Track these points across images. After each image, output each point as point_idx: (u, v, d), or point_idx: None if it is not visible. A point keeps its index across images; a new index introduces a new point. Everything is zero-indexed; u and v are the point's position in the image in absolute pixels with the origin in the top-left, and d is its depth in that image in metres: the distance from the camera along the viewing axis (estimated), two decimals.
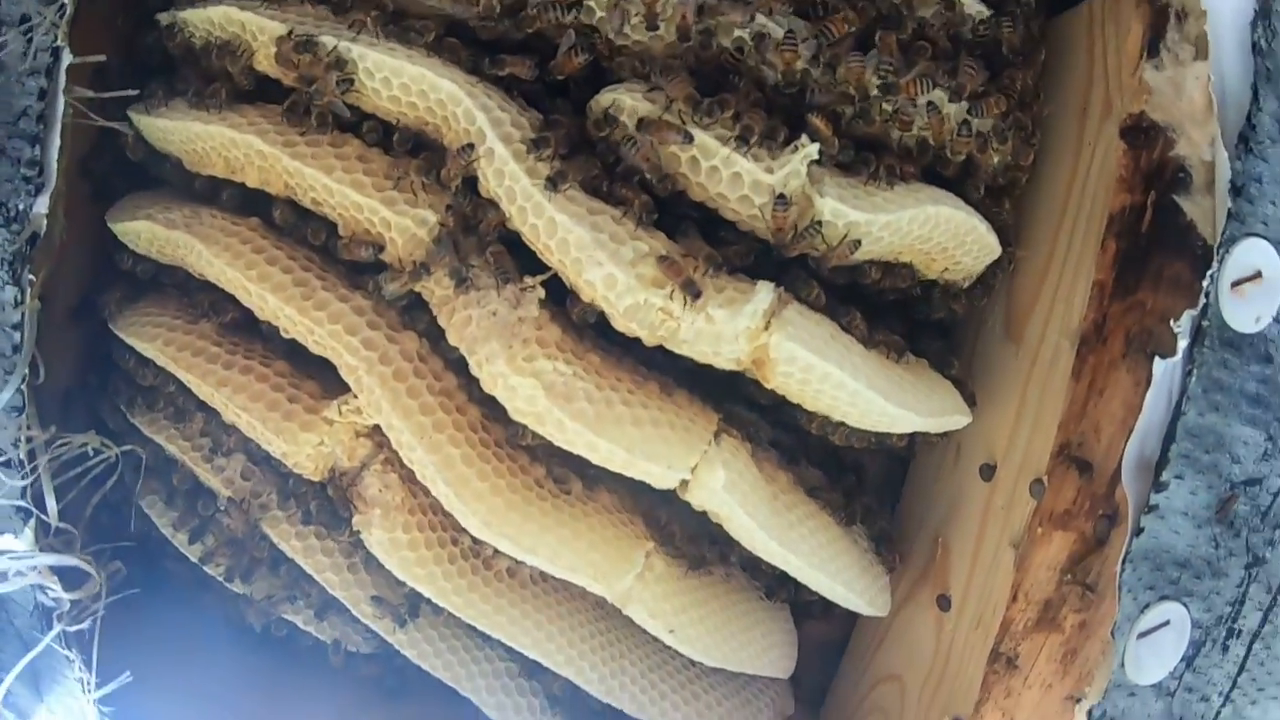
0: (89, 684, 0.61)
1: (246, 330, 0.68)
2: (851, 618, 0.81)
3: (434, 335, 0.63)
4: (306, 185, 0.62)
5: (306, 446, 0.64)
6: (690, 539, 0.66)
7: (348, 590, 0.67)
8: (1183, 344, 0.52)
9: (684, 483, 0.61)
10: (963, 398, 0.67)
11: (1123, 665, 0.55)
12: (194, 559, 0.71)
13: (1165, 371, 0.53)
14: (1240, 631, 0.59)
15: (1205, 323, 0.53)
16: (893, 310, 0.69)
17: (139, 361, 0.69)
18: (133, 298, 0.72)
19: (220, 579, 0.71)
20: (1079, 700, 0.57)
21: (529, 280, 0.59)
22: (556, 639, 0.66)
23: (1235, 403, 0.55)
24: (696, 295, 0.56)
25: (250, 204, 0.67)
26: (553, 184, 0.56)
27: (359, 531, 0.64)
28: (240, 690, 0.73)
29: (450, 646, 0.70)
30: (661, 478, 0.60)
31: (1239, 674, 0.60)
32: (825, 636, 0.83)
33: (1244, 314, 0.54)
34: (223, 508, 0.68)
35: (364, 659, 0.74)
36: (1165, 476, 0.53)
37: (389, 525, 0.64)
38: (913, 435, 0.67)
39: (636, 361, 0.63)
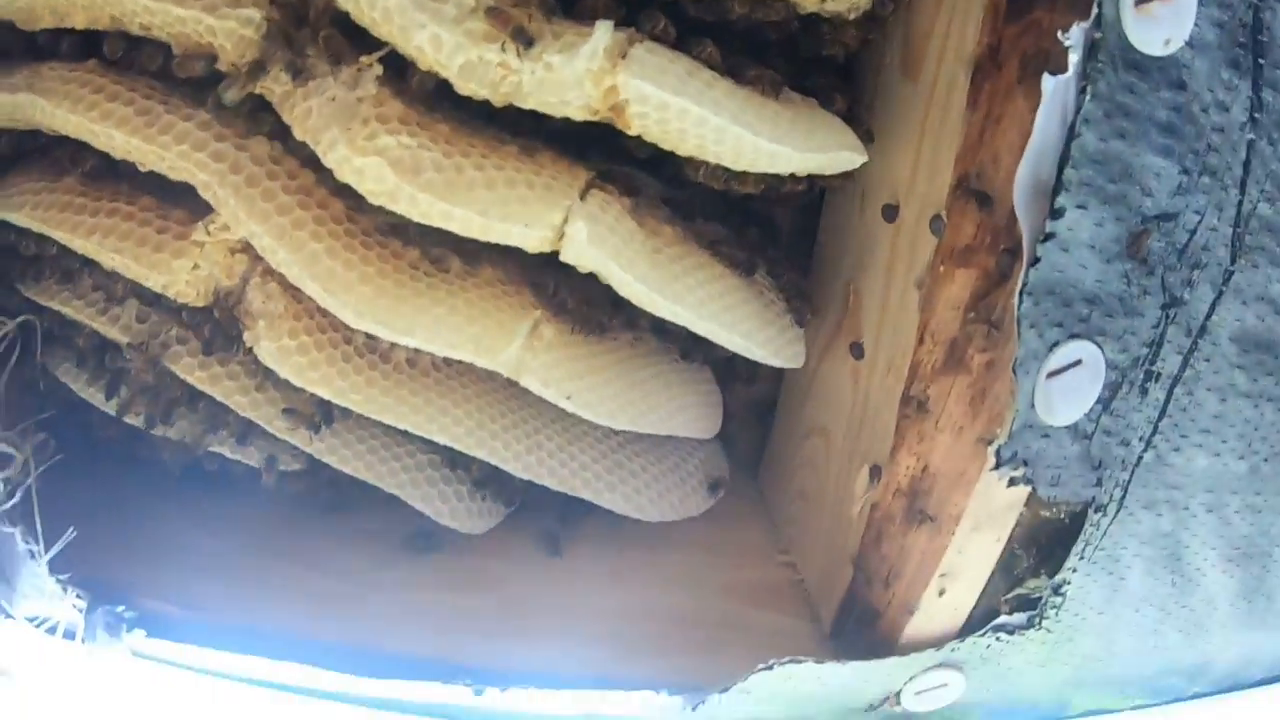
0: (38, 553, 0.62)
1: (109, 175, 0.66)
2: (779, 375, 0.81)
3: (284, 135, 0.60)
4: (129, 12, 0.60)
5: (183, 273, 0.63)
6: (585, 304, 0.65)
7: (259, 410, 0.68)
8: (1074, 59, 0.50)
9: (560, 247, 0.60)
10: (857, 135, 0.63)
11: (1033, 406, 0.54)
12: (113, 413, 0.71)
13: (1057, 90, 0.50)
14: (1159, 375, 0.57)
15: (1100, 35, 0.49)
16: (778, 49, 0.64)
17: (16, 234, 0.68)
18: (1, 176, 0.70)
19: (142, 427, 0.71)
20: (990, 442, 0.55)
21: (364, 59, 0.57)
22: (465, 422, 0.67)
23: (1144, 131, 0.51)
24: (529, 43, 0.54)
25: (92, 47, 0.64)
26: None
27: (252, 348, 0.64)
28: (190, 531, 0.75)
29: (369, 448, 0.71)
30: (524, 238, 0.59)
31: (1160, 419, 0.58)
32: (759, 398, 0.84)
33: (1152, 35, 0.51)
34: (128, 357, 0.68)
35: (295, 477, 0.75)
36: (1062, 203, 0.50)
37: (275, 334, 0.64)
38: (812, 181, 0.64)
39: (502, 128, 0.60)
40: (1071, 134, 0.50)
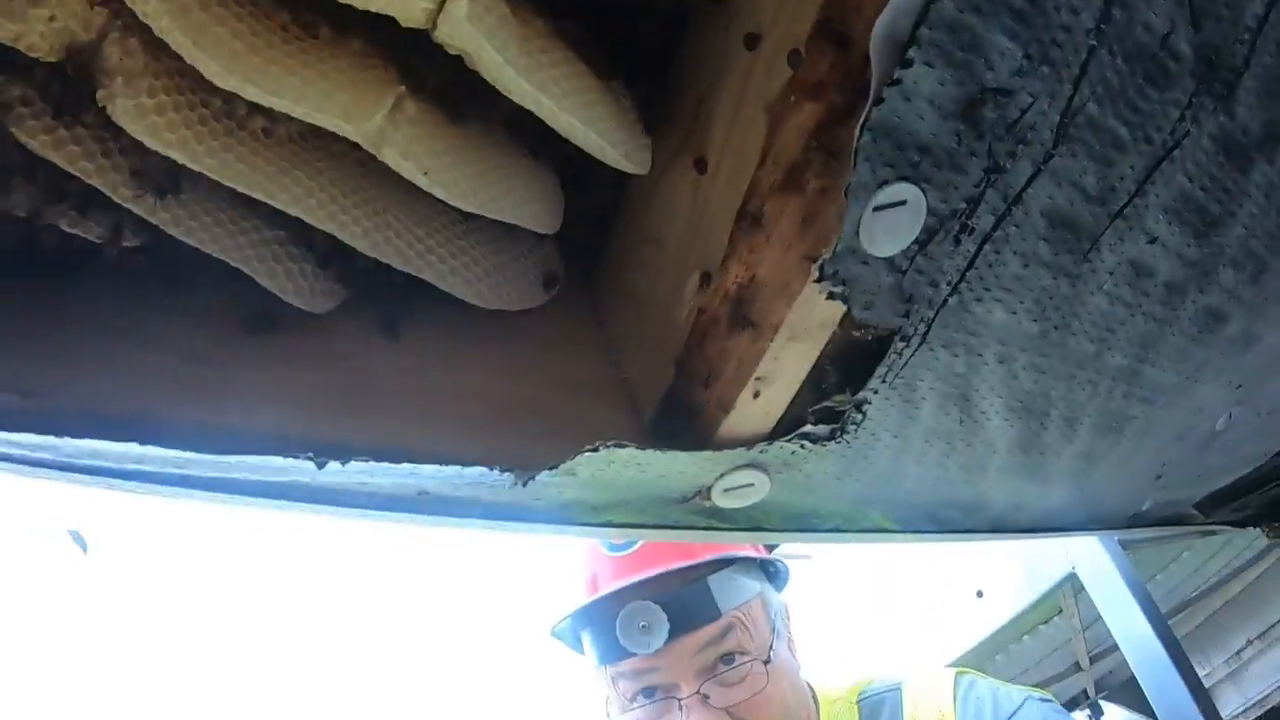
0: None
1: None
2: (620, 189, 0.83)
3: None
4: None
5: (38, 24, 0.58)
6: (448, 86, 0.66)
7: (105, 176, 0.64)
8: None
9: (435, 24, 0.58)
10: None
11: (857, 234, 0.60)
12: None
13: None
14: (973, 230, 0.64)
15: None
16: None
17: None
18: None
19: None
20: (815, 260, 0.60)
21: None
22: (317, 194, 0.67)
23: (997, 10, 0.57)
24: None
25: None
26: None
27: (104, 107, 0.60)
28: (21, 315, 0.70)
29: (215, 220, 0.69)
30: (404, 7, 0.57)
31: (968, 269, 0.65)
32: (595, 208, 0.86)
33: None
34: None
35: (138, 252, 0.72)
36: (912, 55, 0.56)
37: (133, 91, 0.60)
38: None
39: None
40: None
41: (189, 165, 0.63)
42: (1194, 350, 0.83)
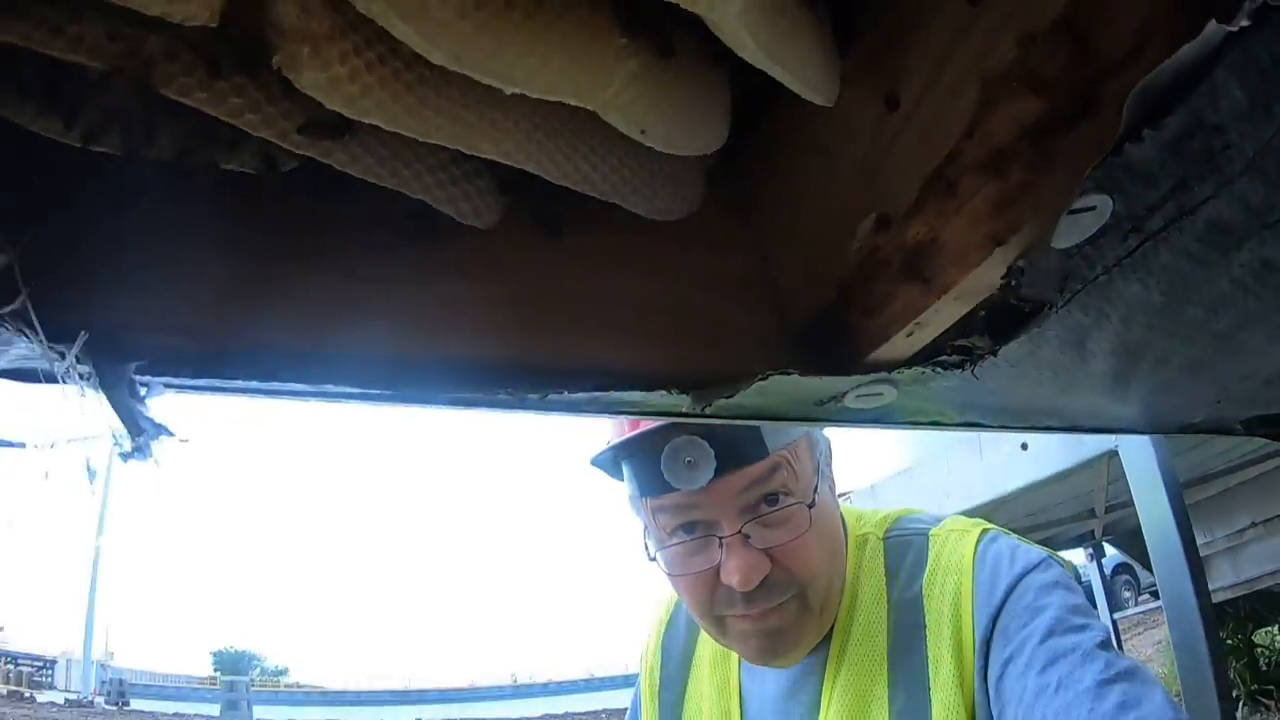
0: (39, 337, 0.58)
1: None
2: None
3: None
4: None
5: None
6: (660, 22, 0.62)
7: (274, 126, 0.59)
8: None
9: None
10: None
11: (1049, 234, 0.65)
12: (77, 144, 0.58)
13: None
14: (1141, 230, 0.69)
15: None
16: None
17: None
18: None
19: (117, 152, 0.59)
20: (999, 242, 0.65)
21: None
22: (518, 138, 0.64)
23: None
24: None
25: None
26: None
27: (279, 69, 0.53)
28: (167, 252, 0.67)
29: (393, 153, 0.65)
30: None
31: (1124, 258, 0.72)
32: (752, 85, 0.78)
33: None
34: (94, 79, 0.54)
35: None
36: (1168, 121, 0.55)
37: (322, 63, 0.54)
38: None
39: None
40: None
41: (388, 127, 0.59)
42: None
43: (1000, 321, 0.76)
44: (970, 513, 1.60)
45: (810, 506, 1.28)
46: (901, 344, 0.77)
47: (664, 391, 0.75)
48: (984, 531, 1.36)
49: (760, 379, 0.73)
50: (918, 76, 0.73)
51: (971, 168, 0.69)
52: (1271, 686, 8.39)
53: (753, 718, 1.46)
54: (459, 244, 0.76)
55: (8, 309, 0.56)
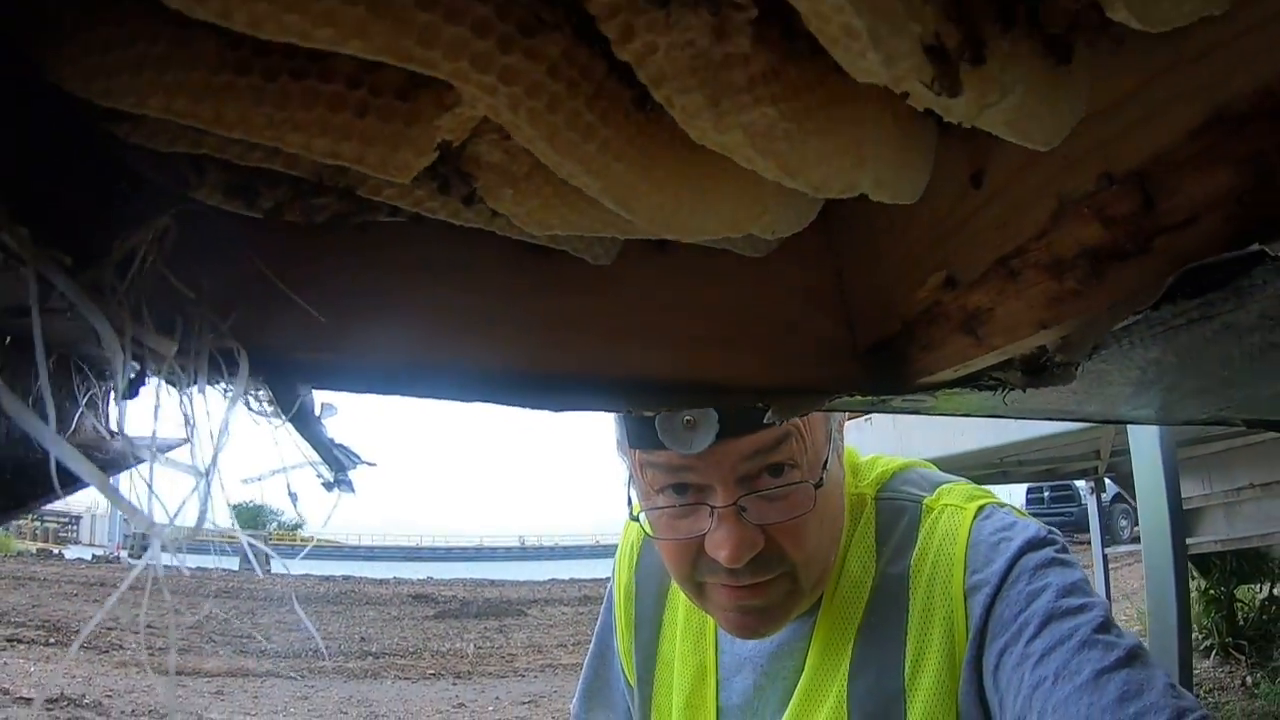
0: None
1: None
2: None
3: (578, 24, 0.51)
4: None
5: (419, 165, 0.56)
6: None
7: (448, 209, 0.66)
8: None
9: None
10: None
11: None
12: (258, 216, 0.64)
13: None
14: (1167, 324, 0.83)
15: None
16: None
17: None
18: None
19: (299, 220, 0.66)
20: (1046, 328, 0.77)
21: None
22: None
23: None
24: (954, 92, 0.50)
25: None
26: None
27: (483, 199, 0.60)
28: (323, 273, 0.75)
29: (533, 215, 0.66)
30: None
31: (1148, 337, 0.86)
32: None
33: None
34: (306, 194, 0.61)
35: None
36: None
37: (524, 198, 0.59)
38: None
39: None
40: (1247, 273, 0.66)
41: (560, 232, 0.66)
42: None
43: (1034, 370, 0.90)
44: (980, 454, 1.68)
45: (818, 487, 1.20)
46: (948, 375, 0.91)
47: (749, 406, 0.89)
48: (979, 509, 1.30)
49: (830, 402, 0.88)
50: (1005, 169, 0.82)
51: (1034, 266, 0.80)
52: (1244, 641, 8.73)
53: (727, 674, 1.41)
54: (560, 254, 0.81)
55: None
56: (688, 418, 1.11)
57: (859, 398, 0.99)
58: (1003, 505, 1.32)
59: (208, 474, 0.59)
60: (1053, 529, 1.29)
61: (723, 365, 0.90)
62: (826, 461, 1.23)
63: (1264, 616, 8.76)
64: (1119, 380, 0.99)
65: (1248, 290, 0.71)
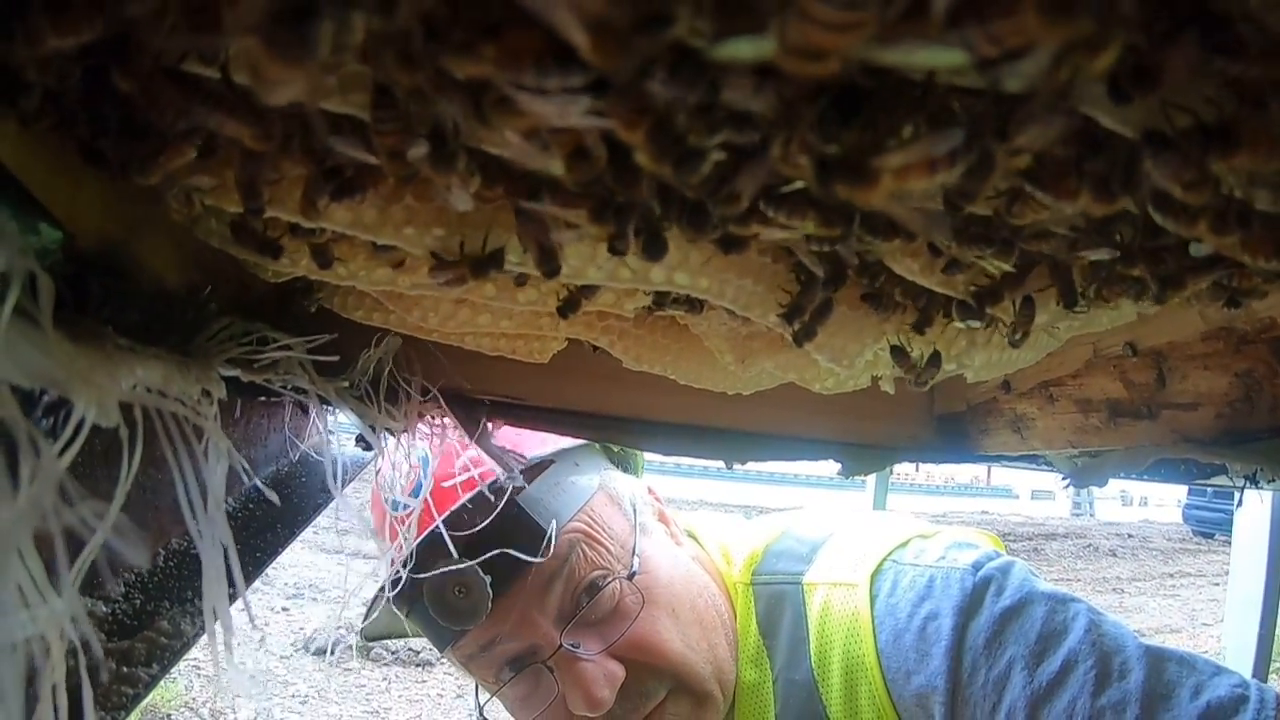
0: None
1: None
2: None
3: None
4: None
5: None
6: None
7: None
8: None
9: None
10: None
11: None
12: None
13: None
14: None
15: None
16: None
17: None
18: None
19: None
20: (1074, 446, 0.96)
21: None
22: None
23: None
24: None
25: None
26: None
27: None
28: None
29: None
30: None
31: None
32: None
33: None
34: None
35: None
36: None
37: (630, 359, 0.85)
38: None
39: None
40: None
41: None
42: None
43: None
44: None
45: (631, 577, 1.06)
46: (996, 452, 1.11)
47: (833, 462, 1.11)
48: (872, 579, 1.11)
49: (901, 457, 1.10)
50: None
51: (1067, 397, 0.99)
52: None
53: None
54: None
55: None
56: (457, 587, 1.01)
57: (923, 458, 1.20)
58: (904, 543, 1.15)
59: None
60: (970, 541, 1.16)
61: (815, 426, 1.12)
62: (636, 548, 1.09)
63: None
64: None
65: None
